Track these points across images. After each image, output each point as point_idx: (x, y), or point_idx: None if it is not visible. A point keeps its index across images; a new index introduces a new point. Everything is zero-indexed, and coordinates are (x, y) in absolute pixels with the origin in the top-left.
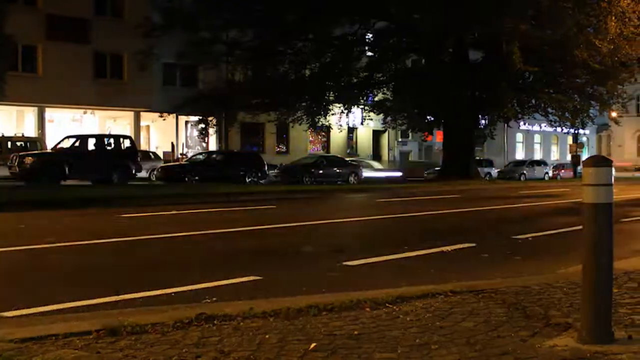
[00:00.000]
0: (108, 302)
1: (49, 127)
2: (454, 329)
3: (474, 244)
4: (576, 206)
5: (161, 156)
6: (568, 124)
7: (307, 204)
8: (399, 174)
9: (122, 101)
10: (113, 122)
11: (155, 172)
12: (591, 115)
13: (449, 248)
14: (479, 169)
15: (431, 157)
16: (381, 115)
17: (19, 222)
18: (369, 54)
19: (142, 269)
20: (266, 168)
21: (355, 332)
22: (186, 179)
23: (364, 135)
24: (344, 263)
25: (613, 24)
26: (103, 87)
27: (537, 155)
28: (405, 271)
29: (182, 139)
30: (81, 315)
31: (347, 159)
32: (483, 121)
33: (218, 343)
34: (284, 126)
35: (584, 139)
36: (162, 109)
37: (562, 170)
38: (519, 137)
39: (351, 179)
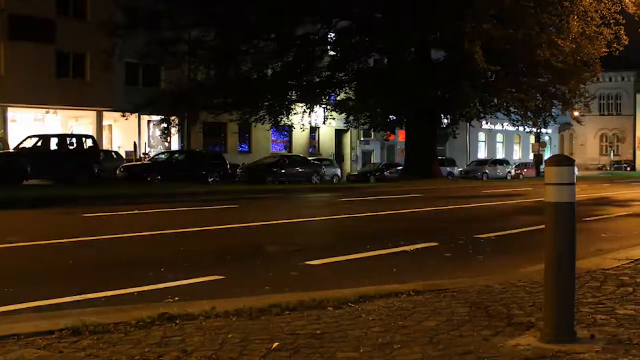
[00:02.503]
0: (71, 302)
1: (11, 127)
2: (416, 328)
3: (436, 244)
4: (539, 205)
5: (124, 156)
6: (530, 123)
7: (270, 203)
8: None
9: (84, 101)
10: (75, 122)
11: (117, 172)
12: (554, 114)
13: (411, 248)
14: (441, 168)
15: (394, 157)
16: (344, 115)
17: None
18: (332, 53)
19: (105, 269)
20: (229, 168)
21: (318, 332)
22: (149, 178)
23: (326, 135)
24: (307, 263)
25: (575, 23)
26: (66, 87)
27: (500, 155)
28: (368, 271)
29: (144, 139)
30: (44, 315)
31: (310, 158)
32: (446, 121)
33: (181, 343)
34: (247, 126)
35: (547, 138)
36: (125, 109)
37: (525, 170)
38: (482, 136)
39: (314, 178)
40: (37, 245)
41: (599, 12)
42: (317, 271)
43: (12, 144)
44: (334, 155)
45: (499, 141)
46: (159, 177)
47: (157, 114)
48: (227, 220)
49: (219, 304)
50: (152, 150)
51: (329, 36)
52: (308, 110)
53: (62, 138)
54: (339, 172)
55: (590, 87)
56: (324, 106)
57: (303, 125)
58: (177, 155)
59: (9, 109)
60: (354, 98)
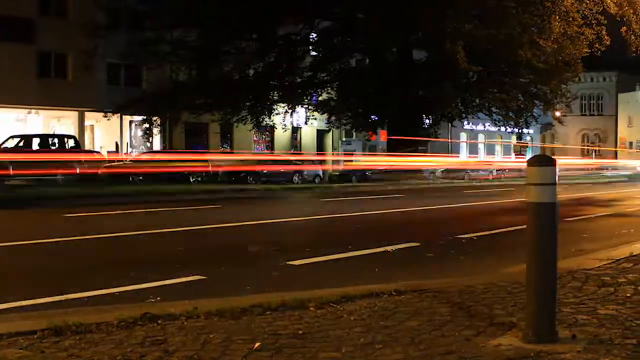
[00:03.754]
0: (53, 302)
1: None
2: (398, 328)
3: (418, 244)
4: (520, 205)
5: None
6: (512, 123)
7: (252, 203)
8: None
9: (66, 101)
10: (57, 122)
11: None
12: (535, 114)
13: (393, 247)
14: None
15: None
16: (325, 115)
17: None
18: (313, 53)
19: (87, 269)
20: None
21: (300, 332)
22: (130, 178)
23: (308, 135)
24: (289, 262)
25: (557, 23)
26: (47, 86)
27: (482, 155)
28: (349, 270)
29: (126, 139)
30: (25, 314)
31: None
32: (427, 120)
33: (162, 342)
34: (228, 126)
35: (528, 138)
36: (107, 109)
37: (506, 170)
38: (463, 136)
39: (295, 178)
40: (18, 245)
41: (581, 12)
42: (299, 271)
43: None
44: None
45: (481, 141)
46: (141, 177)
47: (139, 114)
48: (209, 220)
49: (201, 304)
50: (134, 150)
51: (311, 36)
52: (290, 110)
53: (43, 138)
54: (320, 172)
55: (572, 87)
56: (306, 106)
57: (285, 125)
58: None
59: None
60: (335, 98)
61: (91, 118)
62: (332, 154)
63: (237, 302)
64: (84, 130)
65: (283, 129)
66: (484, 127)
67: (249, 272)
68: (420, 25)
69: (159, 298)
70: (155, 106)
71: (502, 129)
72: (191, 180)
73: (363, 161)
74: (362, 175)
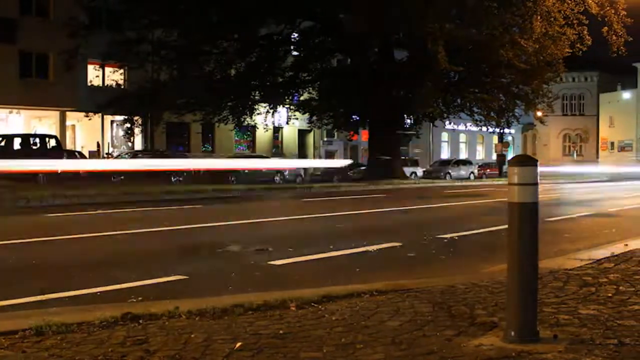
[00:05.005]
0: (34, 302)
1: None
2: (379, 328)
3: (399, 243)
4: (501, 205)
5: (87, 156)
6: (493, 123)
7: (233, 203)
8: None
9: (47, 101)
10: (39, 122)
11: (82, 172)
12: (516, 114)
13: (374, 247)
14: (404, 168)
15: (357, 157)
16: (307, 115)
17: None
18: (295, 53)
19: (68, 269)
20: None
21: (281, 332)
22: (112, 178)
23: (289, 135)
24: (270, 262)
25: (538, 23)
26: (29, 86)
27: (463, 155)
28: (331, 270)
29: (107, 139)
30: (6, 314)
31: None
32: (409, 120)
33: (144, 342)
34: (210, 126)
35: (510, 138)
36: (88, 109)
37: (488, 170)
38: (445, 136)
39: (276, 178)
40: None
41: (562, 12)
42: (280, 271)
43: None
44: (297, 155)
45: (462, 141)
46: (122, 177)
47: (120, 114)
48: (190, 220)
49: (182, 304)
50: (115, 150)
51: (292, 36)
52: (271, 110)
53: (25, 138)
54: (302, 171)
55: (553, 87)
56: (287, 106)
57: (266, 125)
58: (140, 155)
59: None
60: (316, 98)
61: (72, 118)
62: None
63: (218, 302)
64: (65, 130)
65: (264, 128)
66: (466, 127)
67: (230, 272)
68: (401, 25)
69: (140, 298)
70: (136, 106)
71: (484, 129)
72: (172, 180)
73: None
74: (344, 175)
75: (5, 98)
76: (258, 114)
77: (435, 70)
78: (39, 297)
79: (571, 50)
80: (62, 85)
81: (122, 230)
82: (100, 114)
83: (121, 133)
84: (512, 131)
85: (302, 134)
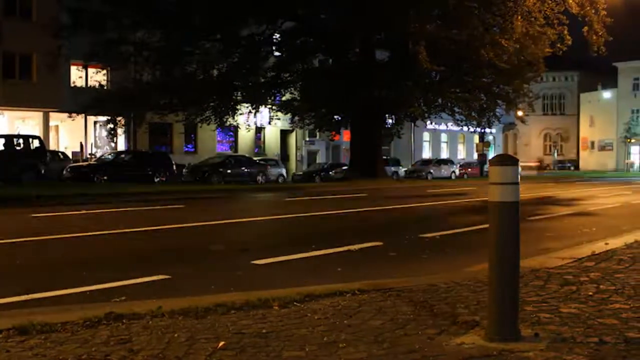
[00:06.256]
0: (17, 302)
1: None
2: (361, 327)
3: (381, 243)
4: (483, 205)
5: (70, 156)
6: (474, 123)
7: (216, 203)
8: None
9: (31, 101)
10: (22, 123)
11: (64, 172)
12: (497, 114)
13: (356, 247)
14: (386, 168)
15: (339, 157)
16: (289, 115)
17: None
18: (277, 53)
19: (51, 269)
20: (174, 168)
21: (264, 331)
22: (95, 178)
23: (271, 135)
24: (252, 262)
25: (519, 23)
26: (12, 87)
27: (444, 154)
28: (313, 270)
29: (90, 139)
30: None
31: (255, 158)
32: (390, 120)
33: (127, 342)
34: (192, 126)
35: (491, 137)
36: (71, 109)
37: (469, 169)
38: (426, 136)
39: (259, 178)
40: None
41: (543, 12)
42: (263, 270)
43: None
44: (279, 155)
45: (443, 141)
46: (105, 177)
47: (103, 115)
48: (173, 220)
49: (165, 303)
50: (98, 150)
51: (274, 37)
52: (253, 111)
53: (8, 138)
54: (284, 172)
55: (534, 87)
56: (269, 106)
57: (248, 125)
58: (122, 156)
59: None
60: (299, 98)
61: (56, 118)
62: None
63: (201, 302)
64: (48, 130)
65: (247, 129)
66: (447, 127)
67: (213, 271)
68: (382, 25)
69: (123, 297)
70: (119, 107)
71: (465, 128)
72: (155, 180)
73: None
74: (326, 175)
75: None
76: (240, 114)
77: (417, 70)
78: (22, 297)
79: (552, 50)
80: (45, 86)
81: (105, 230)
82: (83, 115)
83: (104, 134)
84: (493, 131)
85: (284, 134)
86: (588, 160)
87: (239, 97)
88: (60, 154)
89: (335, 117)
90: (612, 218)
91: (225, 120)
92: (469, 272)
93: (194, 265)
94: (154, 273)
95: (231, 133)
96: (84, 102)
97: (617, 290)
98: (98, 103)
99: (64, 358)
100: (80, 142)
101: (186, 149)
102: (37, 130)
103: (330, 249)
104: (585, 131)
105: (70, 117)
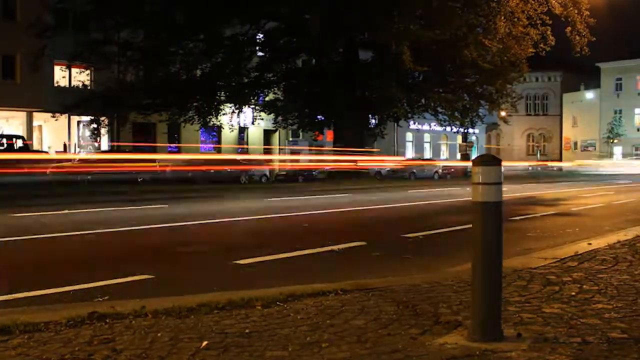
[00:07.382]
0: (0, 301)
1: None
2: (344, 327)
3: (364, 243)
4: (465, 205)
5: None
6: (457, 123)
7: (199, 203)
8: None
9: (14, 101)
10: (5, 122)
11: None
12: (480, 114)
13: (339, 247)
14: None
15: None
16: (272, 115)
17: None
18: (260, 54)
19: (35, 268)
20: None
21: (247, 330)
22: (78, 178)
23: (255, 135)
24: (235, 262)
25: (502, 23)
26: None
27: (427, 154)
28: (296, 270)
29: (74, 139)
30: None
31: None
32: (373, 120)
33: (111, 341)
34: (176, 126)
35: (474, 138)
36: (55, 109)
37: (452, 169)
38: (409, 136)
39: (242, 178)
40: None
41: (526, 12)
42: (246, 270)
43: None
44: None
45: (426, 141)
46: (89, 177)
47: (87, 114)
48: (156, 219)
49: (149, 303)
50: (82, 150)
51: (257, 37)
52: (237, 111)
53: None
54: (267, 172)
55: (517, 87)
56: (253, 106)
57: (232, 125)
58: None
59: None
60: (282, 98)
61: (39, 118)
62: (279, 154)
63: (184, 301)
64: (32, 130)
65: (230, 129)
66: (430, 127)
67: (196, 271)
68: (365, 25)
69: (107, 297)
70: (103, 106)
71: (448, 128)
72: (139, 181)
73: (309, 161)
74: (309, 175)
75: None
76: (224, 114)
77: (400, 70)
78: (6, 297)
79: (535, 51)
80: (28, 86)
81: (88, 230)
82: (66, 115)
83: (88, 133)
84: (476, 131)
85: (267, 134)
86: (571, 160)
87: (222, 97)
88: (43, 153)
89: (319, 117)
90: (595, 218)
91: (208, 120)
92: (451, 272)
93: (178, 265)
94: (137, 273)
95: (214, 133)
96: (67, 102)
97: (600, 290)
98: (82, 103)
99: (48, 357)
100: (64, 142)
101: (170, 149)
102: (21, 130)
103: (314, 249)
104: (568, 131)
105: (53, 117)
